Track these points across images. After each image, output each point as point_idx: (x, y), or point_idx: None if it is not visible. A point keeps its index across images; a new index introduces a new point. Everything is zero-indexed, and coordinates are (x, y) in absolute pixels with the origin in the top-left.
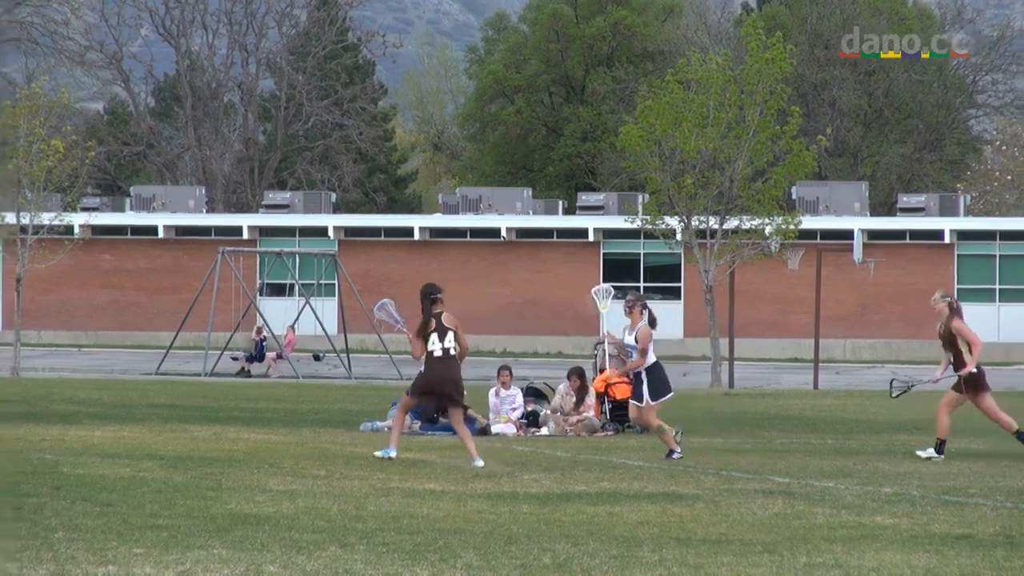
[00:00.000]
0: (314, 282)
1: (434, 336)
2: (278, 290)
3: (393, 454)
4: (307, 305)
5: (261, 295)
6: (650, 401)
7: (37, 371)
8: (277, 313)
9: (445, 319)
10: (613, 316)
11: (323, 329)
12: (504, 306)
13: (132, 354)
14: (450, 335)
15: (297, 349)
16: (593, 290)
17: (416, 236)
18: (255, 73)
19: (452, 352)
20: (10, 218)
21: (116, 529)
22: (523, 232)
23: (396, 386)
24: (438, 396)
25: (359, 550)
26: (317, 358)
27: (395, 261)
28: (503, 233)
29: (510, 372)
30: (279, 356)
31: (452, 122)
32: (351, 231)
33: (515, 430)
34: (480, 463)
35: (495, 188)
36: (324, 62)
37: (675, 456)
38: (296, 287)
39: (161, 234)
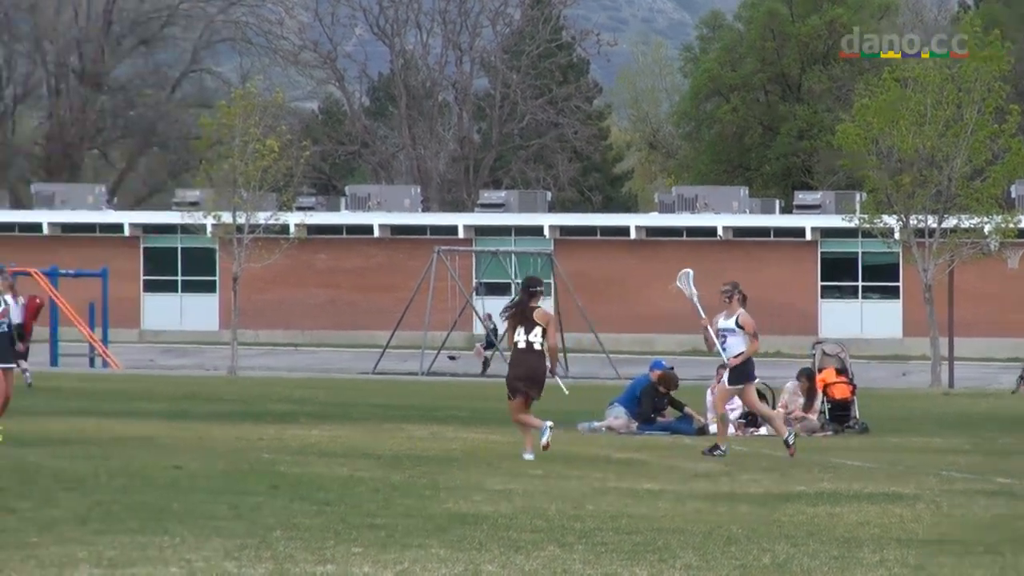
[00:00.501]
0: None
1: (520, 329)
2: (494, 289)
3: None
4: None
5: (477, 294)
6: (727, 385)
7: (254, 370)
8: (492, 312)
9: (537, 314)
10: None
11: None
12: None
13: (348, 353)
14: (537, 330)
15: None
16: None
17: (632, 235)
18: (469, 72)
19: (536, 346)
20: (226, 218)
21: (334, 528)
22: (740, 231)
23: (613, 385)
24: (513, 389)
25: (577, 550)
26: None
27: (611, 260)
28: (719, 232)
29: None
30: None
31: (667, 120)
32: (566, 230)
33: (734, 430)
34: (530, 456)
35: (711, 187)
36: (538, 61)
37: (718, 453)
38: (512, 286)
39: (376, 233)
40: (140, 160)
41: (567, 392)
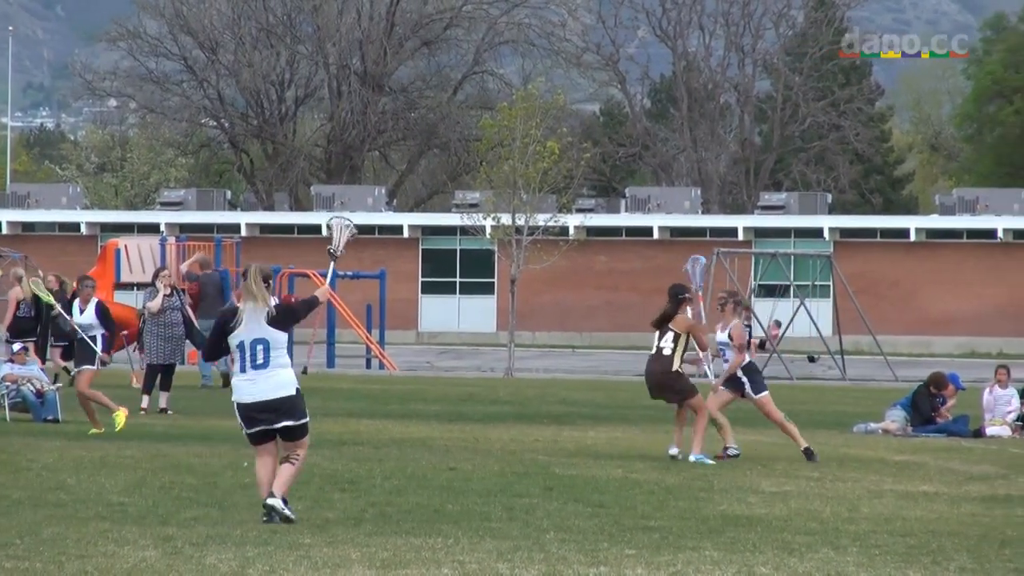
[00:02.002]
0: (808, 283)
1: (657, 334)
2: (771, 291)
3: (709, 460)
4: (801, 307)
5: (754, 296)
6: (752, 395)
7: (530, 372)
8: (772, 315)
9: (676, 322)
10: None
11: (817, 331)
12: (999, 308)
13: (626, 355)
14: (669, 336)
15: (791, 351)
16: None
17: (911, 237)
18: (751, 74)
19: (666, 351)
20: (505, 219)
21: (608, 530)
22: (1020, 233)
23: (891, 388)
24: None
25: (851, 552)
26: (812, 360)
27: (890, 262)
28: (999, 234)
29: (1007, 371)
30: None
31: (949, 123)
32: (846, 232)
33: (1010, 432)
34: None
35: (992, 189)
36: (820, 63)
37: (731, 452)
38: (791, 288)
39: (656, 235)
40: (420, 162)
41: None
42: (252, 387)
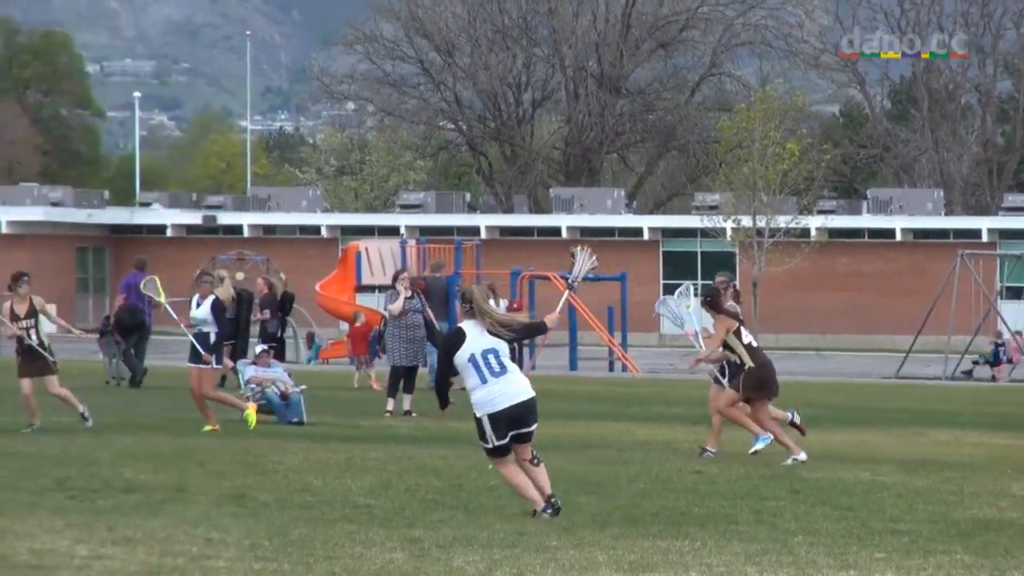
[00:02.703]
0: None
1: (743, 329)
2: (1018, 293)
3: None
4: None
5: (1000, 298)
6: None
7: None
8: (1017, 317)
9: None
10: None
11: None
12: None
13: (869, 357)
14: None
15: None
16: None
17: None
18: (992, 74)
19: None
20: (746, 221)
21: (856, 533)
22: None
23: None
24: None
25: None
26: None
27: None
28: None
29: None
30: (1008, 361)
31: None
32: None
33: None
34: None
35: None
36: None
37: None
38: None
39: (898, 237)
40: (659, 164)
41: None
42: (501, 395)
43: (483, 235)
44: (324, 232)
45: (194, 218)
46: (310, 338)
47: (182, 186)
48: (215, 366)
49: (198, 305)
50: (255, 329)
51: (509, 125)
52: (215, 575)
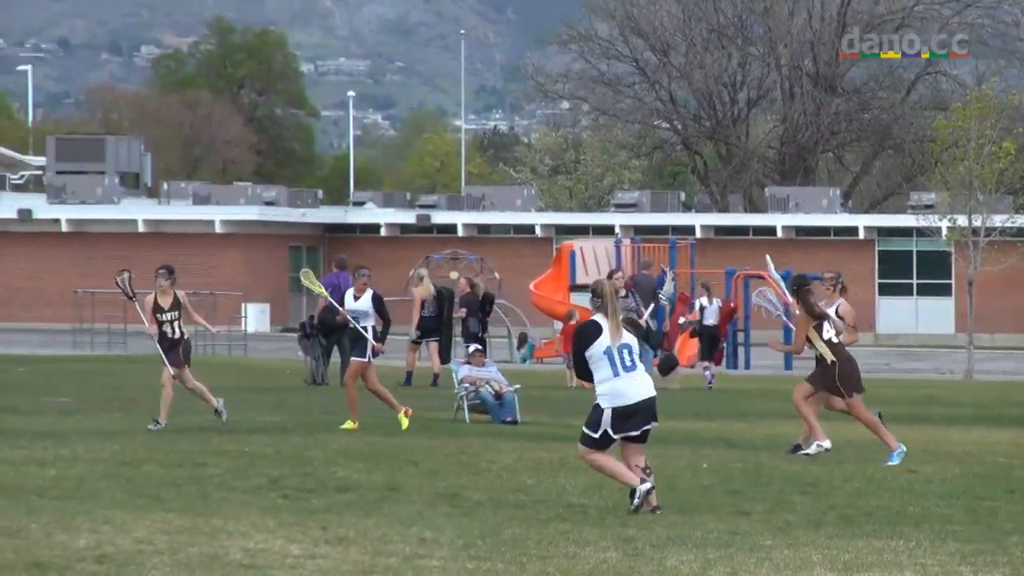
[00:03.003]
0: None
1: (826, 324)
2: None
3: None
4: None
5: None
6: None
7: (990, 374)
8: None
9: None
10: None
11: None
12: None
13: None
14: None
15: None
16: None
17: None
18: None
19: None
20: (961, 220)
21: None
22: None
23: None
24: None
25: None
26: None
27: None
28: None
29: None
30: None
31: None
32: None
33: None
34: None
35: None
36: None
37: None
38: None
39: None
40: (874, 163)
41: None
42: (631, 390)
43: (698, 234)
44: (538, 231)
45: (408, 217)
46: (522, 338)
47: (396, 185)
48: (365, 359)
49: (356, 299)
50: (456, 328)
51: (724, 124)
52: (428, 574)
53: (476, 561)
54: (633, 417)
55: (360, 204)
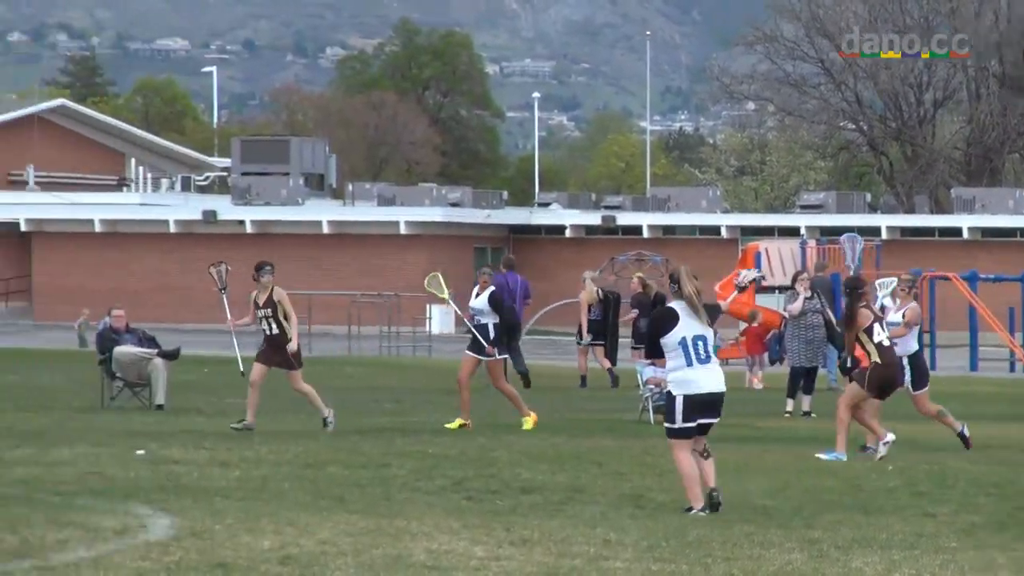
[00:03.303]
0: None
1: (876, 326)
2: None
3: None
4: None
5: None
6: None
7: None
8: None
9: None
10: None
11: None
12: None
13: None
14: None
15: None
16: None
17: None
18: None
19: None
20: None
21: None
22: None
23: None
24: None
25: None
26: None
27: None
28: None
29: None
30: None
31: None
32: None
33: None
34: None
35: None
36: None
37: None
38: None
39: None
40: None
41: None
42: (703, 380)
43: (883, 235)
44: (724, 232)
45: (593, 219)
46: None
47: (581, 186)
48: (498, 357)
49: (476, 296)
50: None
51: (910, 125)
52: None
53: (660, 563)
54: (703, 407)
55: (545, 205)
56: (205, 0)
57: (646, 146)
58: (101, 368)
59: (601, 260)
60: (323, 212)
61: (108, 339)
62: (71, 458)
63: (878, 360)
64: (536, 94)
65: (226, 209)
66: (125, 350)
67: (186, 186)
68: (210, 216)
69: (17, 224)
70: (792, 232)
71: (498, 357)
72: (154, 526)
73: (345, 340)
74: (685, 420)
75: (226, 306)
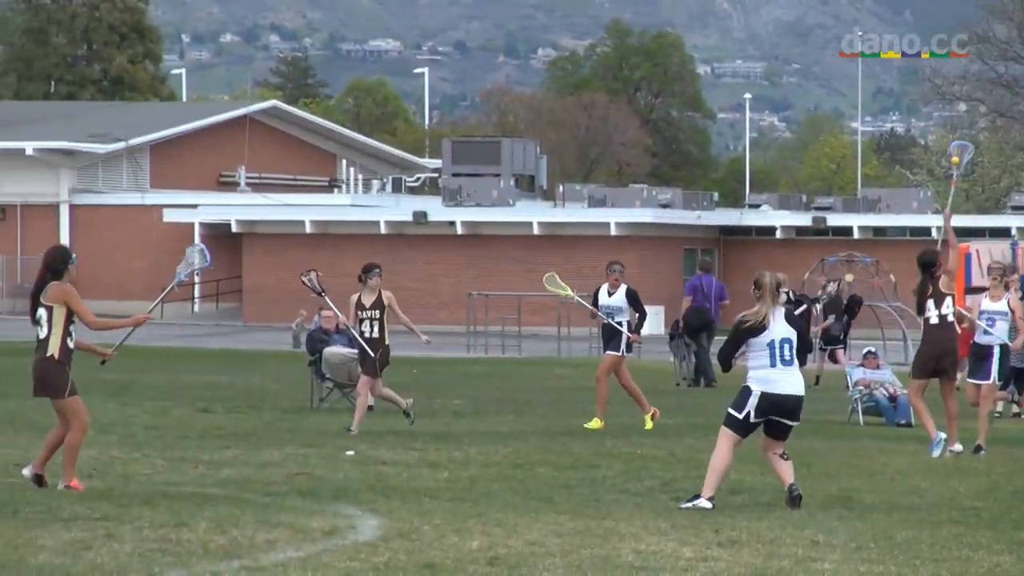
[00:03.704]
0: None
1: (930, 303)
2: None
3: None
4: None
5: None
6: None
7: None
8: None
9: (942, 284)
10: None
11: None
12: None
13: None
14: (948, 300)
15: None
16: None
17: None
18: None
19: (949, 319)
20: None
21: None
22: None
23: None
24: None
25: None
26: None
27: None
28: None
29: None
30: None
31: None
32: None
33: None
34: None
35: None
36: None
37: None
38: None
39: None
40: None
41: None
42: (783, 382)
43: None
44: (934, 234)
45: (803, 220)
46: None
47: (791, 187)
48: (625, 354)
49: (610, 295)
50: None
51: None
52: None
53: (868, 564)
54: (778, 408)
55: (755, 207)
56: (417, 1)
57: (857, 147)
58: (311, 369)
59: (811, 261)
60: (533, 213)
61: (318, 340)
62: (280, 459)
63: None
64: (747, 95)
65: (436, 210)
66: (335, 351)
67: (397, 187)
68: (420, 217)
69: (228, 225)
70: (1003, 233)
71: (618, 353)
72: (363, 527)
73: (554, 341)
74: (757, 415)
75: (333, 308)
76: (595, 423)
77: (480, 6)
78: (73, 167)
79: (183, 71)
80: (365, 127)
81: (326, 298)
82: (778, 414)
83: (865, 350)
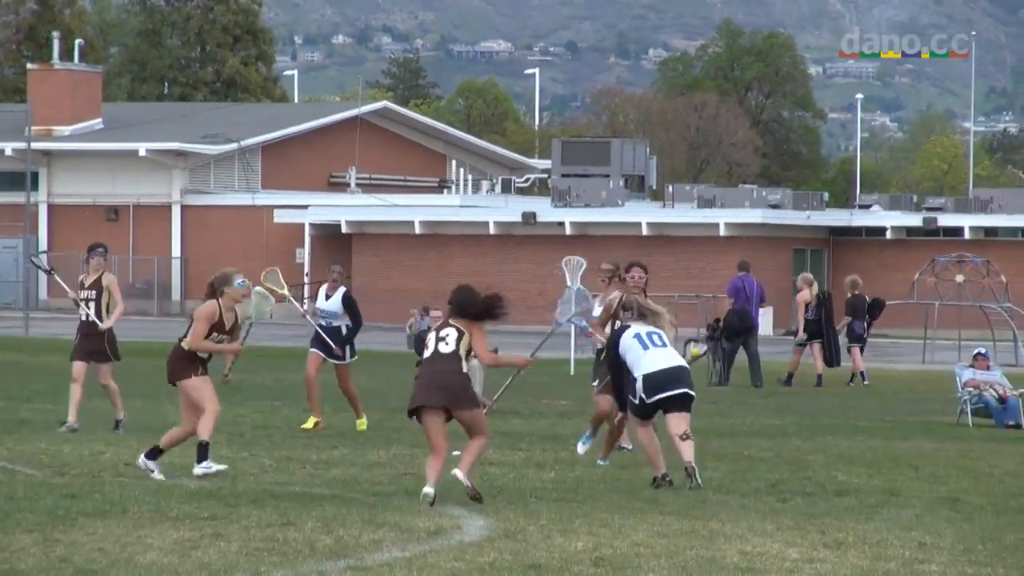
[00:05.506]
0: None
1: None
2: None
3: None
4: None
5: None
6: None
7: None
8: None
9: None
10: None
11: None
12: None
13: None
14: None
15: None
16: None
17: None
18: None
19: None
20: None
21: None
22: None
23: None
24: None
25: None
26: None
27: None
28: None
29: None
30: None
31: None
32: None
33: None
34: None
35: None
36: None
37: None
38: None
39: None
40: None
41: None
42: (658, 359)
43: None
44: None
45: (914, 220)
46: None
47: (902, 187)
48: (349, 360)
49: (327, 297)
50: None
51: None
52: None
53: (976, 566)
54: (662, 381)
55: (866, 207)
56: (528, 2)
57: (969, 147)
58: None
59: (922, 262)
60: (642, 214)
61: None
62: (387, 459)
63: None
64: (859, 95)
65: (546, 211)
66: None
67: (506, 188)
68: (529, 218)
69: (338, 226)
70: None
71: (349, 360)
72: (468, 527)
73: None
74: (647, 397)
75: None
76: (310, 422)
77: (591, 7)
78: (185, 168)
79: (295, 72)
80: (475, 128)
81: (56, 276)
82: (666, 387)
83: (975, 351)
